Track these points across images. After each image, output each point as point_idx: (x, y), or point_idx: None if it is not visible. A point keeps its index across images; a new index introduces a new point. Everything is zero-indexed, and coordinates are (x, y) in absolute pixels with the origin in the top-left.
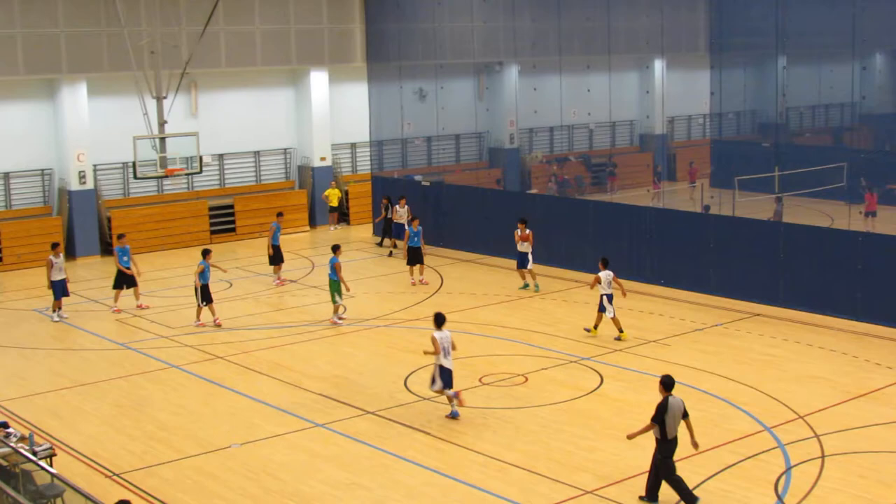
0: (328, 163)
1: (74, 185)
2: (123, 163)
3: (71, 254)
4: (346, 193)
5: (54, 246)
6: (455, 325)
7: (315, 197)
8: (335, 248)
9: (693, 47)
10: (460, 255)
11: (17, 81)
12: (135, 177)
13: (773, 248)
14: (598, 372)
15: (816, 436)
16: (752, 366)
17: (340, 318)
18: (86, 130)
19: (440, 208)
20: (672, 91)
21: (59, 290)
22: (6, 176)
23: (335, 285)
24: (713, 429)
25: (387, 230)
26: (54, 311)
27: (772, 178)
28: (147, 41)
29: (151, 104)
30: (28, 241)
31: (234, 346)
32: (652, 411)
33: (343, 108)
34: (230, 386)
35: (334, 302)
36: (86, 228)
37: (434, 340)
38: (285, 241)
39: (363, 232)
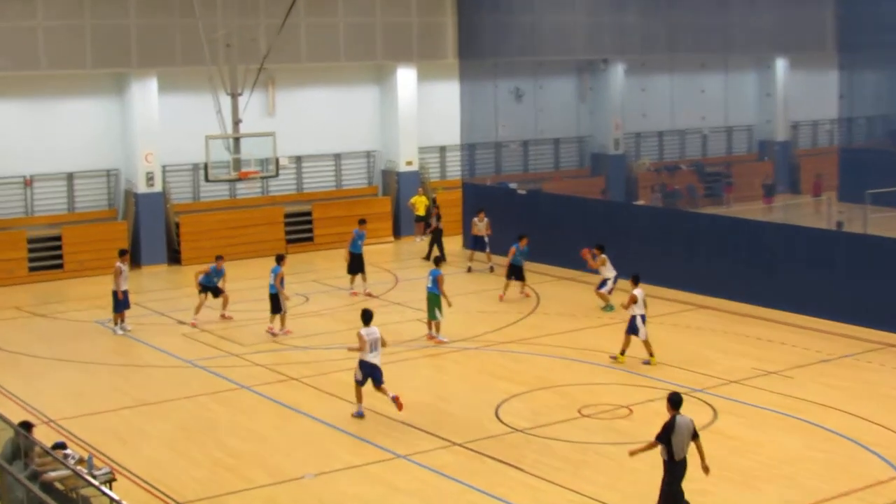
0: (415, 168)
1: (142, 188)
2: (194, 164)
3: (136, 262)
4: (434, 201)
5: (122, 253)
6: (551, 349)
7: (400, 205)
8: (438, 260)
9: (819, 45)
10: (559, 271)
11: (84, 76)
12: (206, 179)
13: None
14: (710, 405)
15: None
16: (885, 403)
17: (440, 336)
18: (155, 129)
19: (537, 220)
20: (795, 93)
21: (124, 301)
22: (70, 177)
23: (435, 299)
24: (840, 473)
25: (436, 241)
26: (116, 323)
27: None
28: (222, 34)
29: (225, 102)
30: (91, 246)
31: (310, 367)
32: (775, 451)
33: (432, 108)
34: (305, 410)
35: (433, 318)
36: (153, 234)
37: (360, 337)
38: (367, 253)
39: (452, 244)
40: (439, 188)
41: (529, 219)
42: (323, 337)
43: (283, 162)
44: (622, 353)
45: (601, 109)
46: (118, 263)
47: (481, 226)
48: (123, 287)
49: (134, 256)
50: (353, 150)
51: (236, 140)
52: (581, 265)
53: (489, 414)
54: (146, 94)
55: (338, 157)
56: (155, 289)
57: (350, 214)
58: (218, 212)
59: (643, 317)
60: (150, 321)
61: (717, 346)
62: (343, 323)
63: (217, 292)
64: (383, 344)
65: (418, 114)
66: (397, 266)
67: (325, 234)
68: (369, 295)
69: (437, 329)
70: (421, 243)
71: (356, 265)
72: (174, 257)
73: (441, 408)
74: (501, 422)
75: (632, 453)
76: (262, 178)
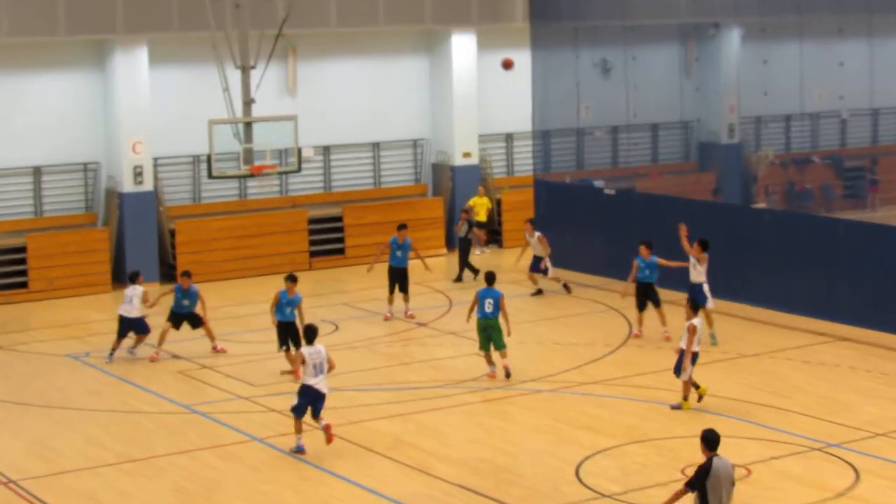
0: (474, 161)
1: (128, 186)
2: (194, 156)
3: (120, 279)
4: (498, 204)
5: (134, 278)
6: (647, 391)
7: (455, 208)
8: (491, 278)
9: None
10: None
11: (57, 45)
12: (209, 176)
13: None
14: (851, 464)
15: None
16: None
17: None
18: (145, 112)
19: (629, 227)
20: None
21: (126, 327)
22: (37, 172)
23: (495, 327)
24: None
25: (464, 260)
26: (113, 351)
27: None
28: None
29: (234, 77)
30: (63, 260)
31: (339, 414)
32: None
33: (495, 85)
34: (331, 469)
35: (497, 348)
36: (141, 245)
37: (302, 357)
38: (413, 269)
39: (522, 258)
40: (505, 187)
41: (619, 226)
42: (356, 376)
43: (306, 153)
44: (685, 398)
45: (711, 87)
46: (141, 288)
47: (533, 242)
48: (131, 313)
49: (117, 272)
50: (395, 139)
51: (247, 126)
52: (680, 281)
53: (568, 474)
54: (134, 67)
55: (376, 147)
56: (146, 312)
57: (391, 220)
58: (224, 217)
59: (696, 355)
60: (138, 355)
61: (858, 389)
62: (382, 358)
63: (195, 321)
64: (330, 367)
65: (478, 92)
66: (452, 286)
67: (360, 244)
68: (411, 318)
69: (502, 360)
70: (481, 256)
71: (398, 281)
72: (168, 274)
73: (507, 466)
74: (583, 484)
75: None
76: (281, 173)
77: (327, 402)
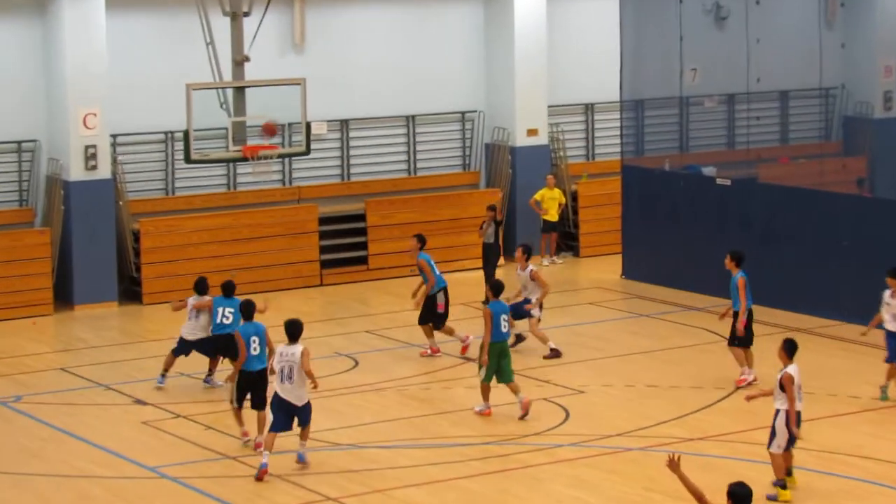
0: (542, 140)
1: (76, 173)
2: (166, 133)
3: (64, 297)
4: (574, 198)
5: (201, 288)
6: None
7: (518, 202)
8: (498, 288)
9: None
10: (786, 317)
11: None
12: (187, 159)
13: None
14: None
15: None
16: None
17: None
18: (100, 74)
19: (750, 227)
20: None
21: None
22: None
23: (509, 354)
24: None
25: (491, 275)
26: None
27: None
28: None
29: (220, 27)
30: None
31: (359, 479)
32: None
33: (570, 42)
34: None
35: (505, 381)
36: (95, 251)
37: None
38: (455, 285)
39: (604, 269)
40: (583, 175)
41: (736, 224)
42: (381, 429)
43: (317, 130)
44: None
45: (860, 42)
46: (188, 299)
47: (524, 277)
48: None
49: (62, 288)
50: (436, 112)
51: (239, 92)
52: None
53: None
54: (85, 11)
55: (410, 121)
56: (98, 344)
57: (429, 219)
58: (206, 214)
59: (798, 415)
60: (88, 400)
61: None
62: (417, 405)
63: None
64: (308, 375)
65: (548, 52)
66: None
67: (387, 251)
68: (435, 353)
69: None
70: (551, 267)
71: (429, 311)
72: (130, 291)
73: None
74: None
75: None
76: (283, 157)
77: (343, 465)
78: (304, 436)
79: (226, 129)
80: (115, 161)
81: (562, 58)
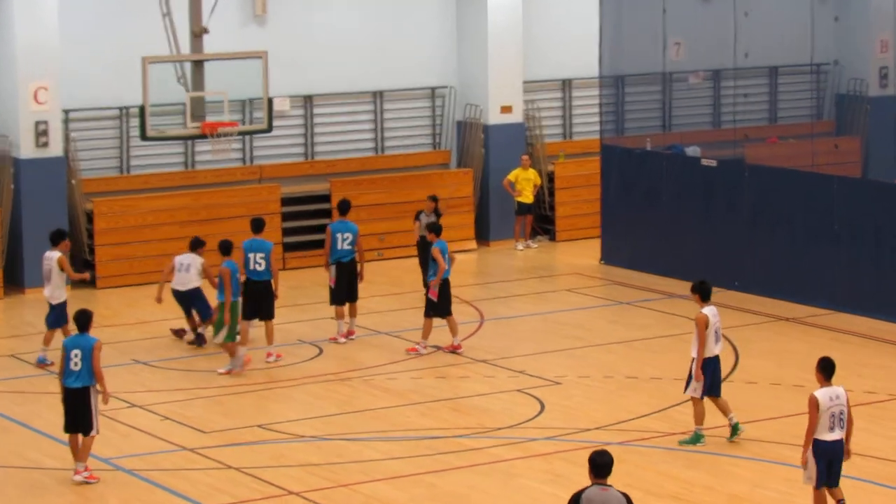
0: (517, 118)
1: (27, 150)
2: (121, 108)
3: (14, 280)
4: (551, 178)
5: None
6: (761, 447)
7: (491, 183)
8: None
9: None
10: (775, 305)
11: None
12: (143, 136)
13: None
14: None
15: None
16: None
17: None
18: (51, 45)
19: (736, 213)
20: None
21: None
22: None
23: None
24: None
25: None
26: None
27: None
28: None
29: None
30: None
31: (325, 473)
32: None
33: (547, 12)
34: None
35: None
36: (45, 233)
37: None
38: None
39: (581, 254)
40: (560, 154)
41: (722, 208)
42: (347, 420)
43: (279, 106)
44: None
45: (854, 16)
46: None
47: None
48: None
49: (11, 271)
50: (405, 87)
51: (197, 66)
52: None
53: None
54: None
55: (378, 97)
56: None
57: (398, 200)
58: (163, 194)
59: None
60: (38, 388)
61: None
62: (385, 395)
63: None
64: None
65: (524, 24)
66: (484, 294)
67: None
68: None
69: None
70: (526, 252)
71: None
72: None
73: None
74: None
75: None
76: (244, 134)
77: (306, 458)
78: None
79: (183, 104)
80: (67, 138)
81: (538, 30)
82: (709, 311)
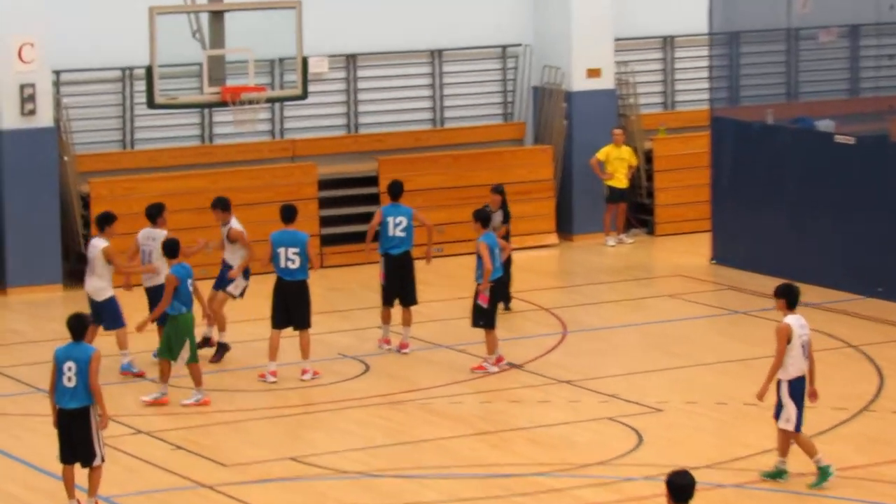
0: (607, 84)
1: (10, 119)
2: (124, 69)
3: None
4: (649, 158)
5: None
6: None
7: (575, 164)
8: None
9: None
10: None
11: None
12: (150, 104)
13: None
14: None
15: None
16: None
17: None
18: None
19: (880, 201)
20: None
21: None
22: None
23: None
24: None
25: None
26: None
27: None
28: None
29: None
30: None
31: None
32: None
33: None
34: None
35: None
36: (33, 218)
37: None
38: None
39: (687, 252)
40: (661, 129)
41: (862, 195)
42: (402, 452)
43: (316, 67)
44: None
45: None
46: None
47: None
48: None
49: None
50: (469, 45)
51: (216, 17)
52: None
53: None
54: None
55: (436, 57)
56: (37, 338)
57: (459, 184)
58: (174, 174)
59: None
60: (22, 408)
61: None
62: (449, 423)
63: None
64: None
65: None
66: (567, 299)
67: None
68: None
69: None
70: (616, 248)
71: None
72: (79, 271)
73: None
74: None
75: None
76: (273, 101)
77: (350, 498)
78: None
79: (199, 65)
80: (58, 105)
81: None
82: (794, 320)
